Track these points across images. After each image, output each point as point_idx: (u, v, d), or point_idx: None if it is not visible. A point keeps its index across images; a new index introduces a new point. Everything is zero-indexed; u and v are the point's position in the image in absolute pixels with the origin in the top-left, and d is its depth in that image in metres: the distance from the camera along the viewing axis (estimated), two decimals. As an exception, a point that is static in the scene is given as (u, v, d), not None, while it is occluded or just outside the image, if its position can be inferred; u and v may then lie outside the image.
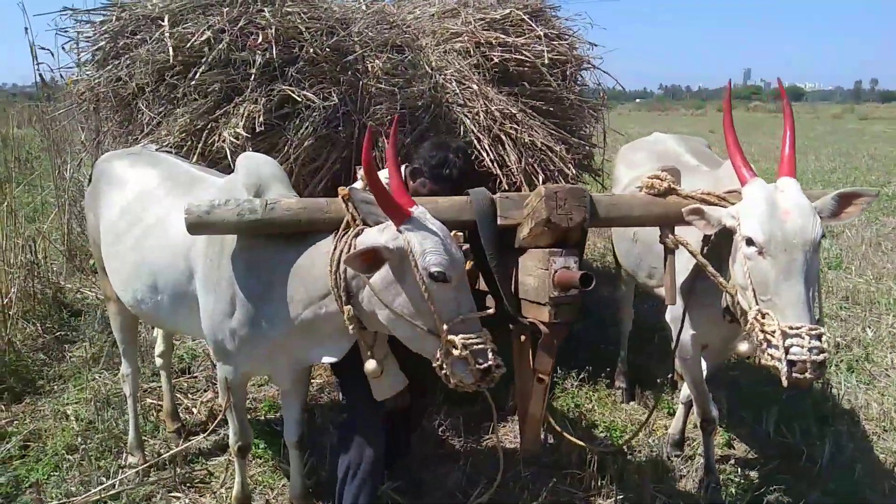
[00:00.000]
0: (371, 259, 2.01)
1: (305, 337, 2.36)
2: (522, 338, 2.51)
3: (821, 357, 2.04)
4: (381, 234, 2.08)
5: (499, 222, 2.42)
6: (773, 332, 2.09)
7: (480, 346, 1.99)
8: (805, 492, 3.16)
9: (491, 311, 2.10)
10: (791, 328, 2.07)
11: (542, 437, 2.97)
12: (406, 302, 2.05)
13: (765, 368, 2.49)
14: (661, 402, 4.02)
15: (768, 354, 2.10)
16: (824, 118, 37.99)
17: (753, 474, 3.34)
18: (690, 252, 2.45)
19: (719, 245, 2.50)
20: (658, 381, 4.14)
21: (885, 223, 8.91)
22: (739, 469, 3.37)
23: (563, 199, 2.26)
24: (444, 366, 2.00)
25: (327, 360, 2.41)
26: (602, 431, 3.70)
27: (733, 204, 2.37)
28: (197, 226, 2.24)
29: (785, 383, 2.07)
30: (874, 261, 7.17)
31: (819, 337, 2.07)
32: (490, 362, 1.99)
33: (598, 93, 4.71)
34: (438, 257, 2.00)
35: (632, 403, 4.10)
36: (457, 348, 1.97)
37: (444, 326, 1.99)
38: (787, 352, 2.05)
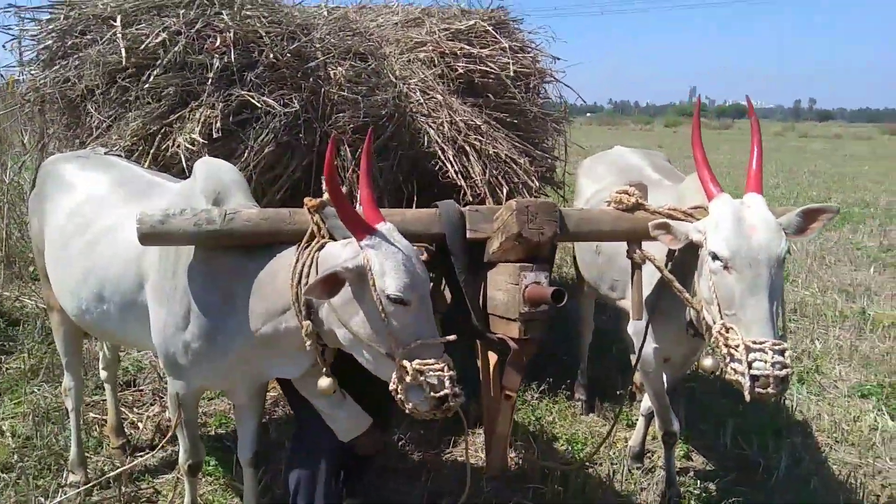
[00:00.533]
0: (332, 285, 1.92)
1: (264, 352, 2.27)
2: (490, 354, 2.47)
3: (783, 372, 2.06)
4: (342, 250, 2.01)
5: (468, 235, 2.38)
6: (737, 346, 2.10)
7: (437, 374, 1.90)
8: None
9: (452, 337, 2.00)
10: (755, 343, 2.08)
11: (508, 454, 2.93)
12: (363, 322, 1.97)
13: (721, 381, 2.51)
14: (620, 414, 4.03)
15: (731, 368, 2.11)
16: (766, 135, 38.92)
17: (712, 486, 3.37)
18: (657, 268, 2.46)
19: (684, 260, 2.51)
20: (618, 392, 4.18)
21: (829, 237, 9.24)
22: (699, 481, 3.40)
23: (535, 213, 2.23)
24: (399, 391, 1.93)
25: (287, 375, 2.33)
26: (563, 444, 3.68)
27: (699, 219, 2.39)
28: (150, 236, 2.13)
29: (748, 398, 2.08)
30: (820, 274, 7.43)
31: (782, 352, 2.08)
32: (446, 391, 1.89)
33: (558, 106, 4.74)
34: (398, 280, 1.91)
35: (591, 415, 4.10)
36: (410, 374, 1.89)
37: (400, 350, 1.91)
38: (749, 366, 2.06)
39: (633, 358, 4.04)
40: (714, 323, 2.21)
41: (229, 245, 2.20)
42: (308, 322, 2.05)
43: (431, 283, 2.66)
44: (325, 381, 2.14)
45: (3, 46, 3.75)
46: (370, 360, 2.01)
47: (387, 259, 1.93)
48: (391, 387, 1.95)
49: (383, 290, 1.90)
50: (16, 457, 3.29)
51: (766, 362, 2.05)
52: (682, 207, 2.46)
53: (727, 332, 2.15)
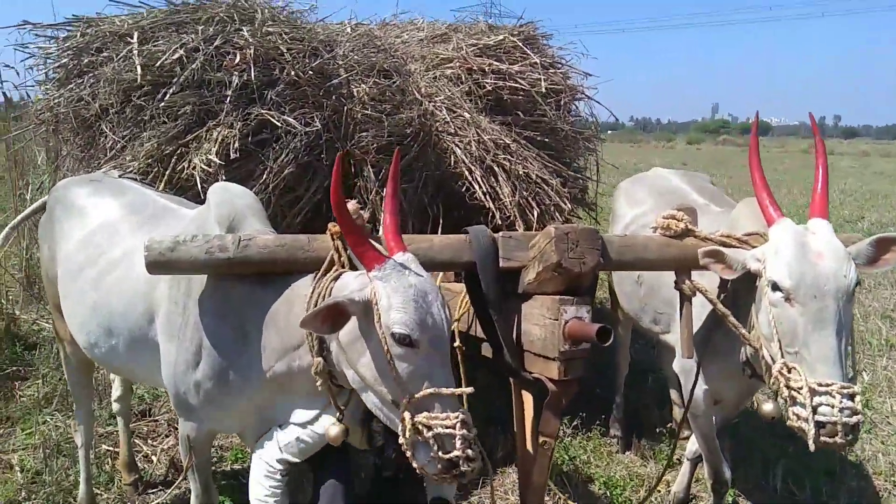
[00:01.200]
0: (333, 317, 1.72)
1: (278, 393, 2.09)
2: (525, 394, 2.25)
3: (853, 419, 1.85)
4: (354, 281, 1.82)
5: (501, 264, 2.18)
6: (800, 388, 1.90)
7: (447, 431, 1.65)
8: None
9: (469, 389, 1.75)
10: (820, 385, 1.87)
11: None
12: (370, 363, 1.76)
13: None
14: (661, 453, 3.78)
15: (794, 413, 1.92)
16: (793, 153, 38.74)
17: (763, 535, 3.10)
18: (709, 300, 2.24)
19: (739, 292, 2.29)
20: (657, 430, 3.92)
21: (867, 260, 8.86)
22: (748, 530, 3.13)
23: (575, 240, 2.03)
24: (406, 447, 1.69)
25: (303, 417, 2.12)
26: (600, 488, 3.43)
27: (755, 247, 2.18)
28: (158, 265, 1.98)
29: (812, 447, 1.87)
30: (860, 299, 7.09)
31: (852, 396, 1.87)
32: (457, 452, 1.64)
33: (588, 124, 4.55)
34: (404, 316, 1.69)
35: (629, 454, 3.85)
36: (413, 429, 1.66)
37: (405, 400, 1.68)
38: (814, 411, 1.86)
39: (674, 394, 3.84)
40: (774, 362, 2.00)
41: (244, 274, 2.04)
42: (319, 359, 1.87)
43: (454, 325, 2.45)
44: (335, 430, 1.92)
45: (25, 65, 3.64)
46: (377, 407, 1.80)
47: (395, 293, 1.72)
48: (400, 440, 1.72)
49: (388, 328, 1.70)
50: (24, 493, 3.14)
51: (833, 407, 1.85)
52: (735, 234, 2.24)
53: (789, 372, 1.95)
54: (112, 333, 2.37)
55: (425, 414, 1.67)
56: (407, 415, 1.66)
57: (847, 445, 1.90)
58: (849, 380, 1.92)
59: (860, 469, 3.70)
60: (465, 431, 1.67)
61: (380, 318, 1.71)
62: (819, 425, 1.85)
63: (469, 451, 1.66)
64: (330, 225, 1.98)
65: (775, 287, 2.00)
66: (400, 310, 1.70)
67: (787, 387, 1.94)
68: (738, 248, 2.20)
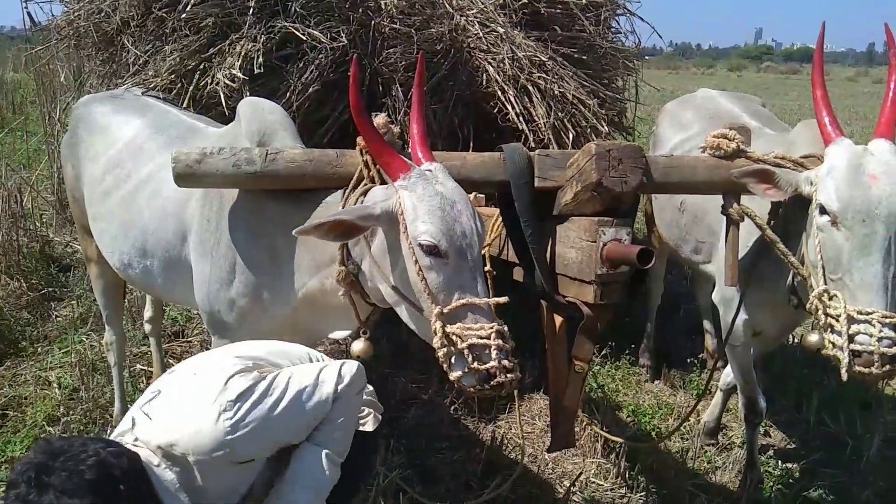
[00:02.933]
0: (334, 232, 1.67)
1: (312, 310, 2.08)
2: (557, 318, 2.19)
3: (894, 350, 1.75)
4: (381, 193, 1.76)
5: (536, 184, 2.07)
6: (838, 315, 1.81)
7: (481, 342, 1.60)
8: (852, 490, 2.89)
9: (503, 299, 1.69)
10: (860, 313, 1.78)
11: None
12: (401, 276, 1.71)
13: (802, 348, 2.15)
14: (691, 384, 3.73)
15: (829, 341, 1.84)
16: (838, 81, 36.95)
17: (795, 467, 3.06)
18: (759, 226, 2.12)
19: (789, 218, 2.17)
20: (687, 360, 3.87)
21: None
22: (779, 461, 3.09)
23: (618, 158, 1.90)
24: (442, 359, 1.64)
25: (338, 335, 2.11)
26: (628, 416, 3.41)
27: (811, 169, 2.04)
28: (186, 177, 1.94)
29: (844, 376, 1.80)
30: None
31: (895, 327, 1.76)
32: (492, 363, 1.59)
33: (627, 43, 4.30)
34: (430, 226, 1.63)
35: (658, 383, 3.81)
36: (446, 339, 1.60)
37: (435, 310, 1.62)
38: (850, 340, 1.78)
39: (707, 324, 3.75)
40: (816, 288, 1.90)
41: (273, 189, 1.99)
42: (342, 268, 1.83)
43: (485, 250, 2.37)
44: (359, 344, 1.90)
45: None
46: (412, 321, 1.76)
47: (421, 202, 1.65)
48: (436, 353, 1.66)
49: (415, 238, 1.64)
50: (62, 409, 3.21)
51: (871, 336, 1.76)
52: (791, 156, 2.09)
53: (830, 299, 1.85)
54: (145, 253, 2.36)
55: (459, 325, 1.62)
56: (439, 324, 1.61)
57: (886, 377, 1.82)
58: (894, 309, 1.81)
59: (896, 403, 3.62)
60: (500, 342, 1.61)
61: (405, 228, 1.65)
62: (854, 354, 1.78)
63: (505, 362, 1.61)
64: (359, 139, 1.89)
65: (823, 210, 1.90)
66: (426, 219, 1.64)
67: (826, 314, 1.86)
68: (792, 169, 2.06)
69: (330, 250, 1.89)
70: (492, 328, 1.62)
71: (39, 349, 3.85)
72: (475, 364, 1.60)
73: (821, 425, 3.37)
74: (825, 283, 1.90)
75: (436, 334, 1.61)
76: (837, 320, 1.82)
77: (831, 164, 1.93)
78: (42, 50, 3.96)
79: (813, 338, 2.06)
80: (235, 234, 2.07)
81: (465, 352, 1.60)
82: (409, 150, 1.87)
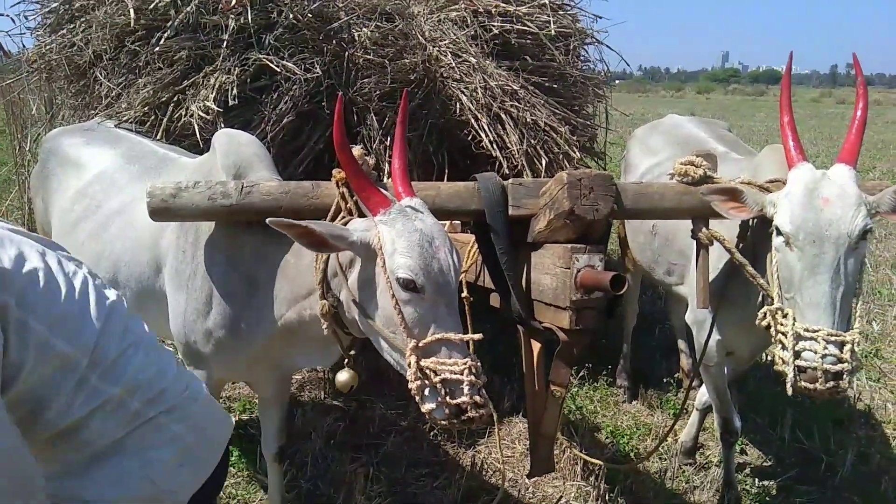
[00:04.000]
0: (306, 237, 1.67)
1: (289, 341, 2.08)
2: (534, 344, 2.21)
3: (837, 367, 1.83)
4: (361, 224, 1.78)
5: (510, 212, 2.11)
6: (786, 332, 1.90)
7: (454, 377, 1.61)
8: (829, 505, 2.93)
9: (479, 336, 1.73)
10: (807, 330, 1.87)
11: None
12: (378, 309, 1.73)
13: (773, 367, 2.20)
14: (668, 403, 3.77)
15: (779, 357, 1.93)
16: (803, 102, 38.01)
17: (771, 485, 3.10)
18: (727, 249, 2.18)
19: (756, 242, 2.23)
20: (664, 380, 3.91)
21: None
22: (756, 479, 3.12)
23: (589, 187, 1.95)
24: (415, 391, 1.65)
25: (312, 365, 2.12)
26: (607, 437, 3.43)
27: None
28: (161, 211, 1.95)
29: (789, 391, 1.89)
30: (870, 248, 7.00)
31: (840, 345, 1.84)
32: (464, 398, 1.60)
33: (597, 70, 4.39)
34: (408, 260, 1.65)
35: (635, 403, 3.84)
36: (420, 373, 1.62)
37: (410, 344, 1.64)
38: (797, 356, 1.86)
39: (682, 344, 3.81)
40: (771, 305, 2.00)
41: (250, 221, 2.00)
42: (324, 301, 1.83)
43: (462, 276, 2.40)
44: (343, 375, 1.91)
45: (10, 13, 3.51)
46: (388, 353, 1.76)
47: (400, 237, 1.67)
48: (409, 385, 1.68)
49: (393, 272, 1.66)
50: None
51: (815, 353, 1.84)
52: (757, 181, 2.16)
53: (783, 316, 1.94)
54: (117, 284, 2.34)
55: (433, 359, 1.63)
56: (413, 358, 1.62)
57: (830, 394, 1.88)
58: (842, 329, 1.89)
59: (868, 418, 3.68)
60: (472, 378, 1.63)
61: (384, 263, 1.67)
62: (799, 370, 1.85)
63: (477, 398, 1.62)
64: (334, 171, 1.92)
65: (779, 231, 1.98)
66: (404, 254, 1.65)
67: (777, 330, 1.95)
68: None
69: (308, 282, 1.90)
70: (465, 364, 1.64)
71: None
72: (447, 398, 1.61)
73: (795, 443, 3.41)
74: (780, 302, 1.99)
75: (410, 367, 1.63)
76: (786, 336, 1.91)
77: (789, 187, 2.00)
78: (13, 81, 3.93)
79: None
80: (212, 266, 2.06)
81: (439, 386, 1.62)
82: (388, 181, 1.90)
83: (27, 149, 5.75)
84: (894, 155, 15.05)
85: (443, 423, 1.64)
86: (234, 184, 1.96)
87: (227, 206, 1.94)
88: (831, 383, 1.84)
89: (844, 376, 1.85)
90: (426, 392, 1.63)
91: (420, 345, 1.64)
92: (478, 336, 1.72)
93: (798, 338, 1.87)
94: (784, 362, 1.90)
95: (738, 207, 2.07)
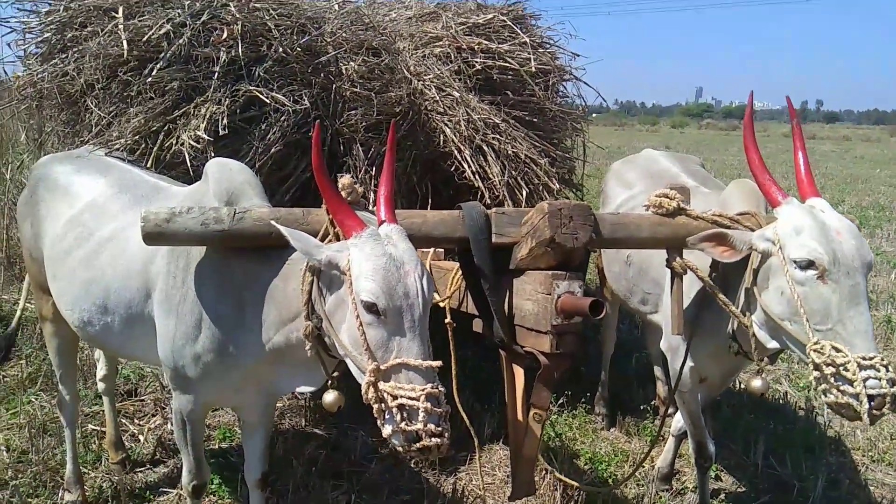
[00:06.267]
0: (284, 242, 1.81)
1: (277, 364, 2.12)
2: (517, 369, 2.28)
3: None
4: (338, 245, 1.84)
5: (493, 240, 2.19)
6: (846, 363, 1.87)
7: (410, 403, 1.62)
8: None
9: (438, 363, 1.70)
10: (864, 359, 1.88)
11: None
12: (348, 331, 1.78)
13: (748, 395, 2.19)
14: (645, 430, 3.84)
15: (839, 391, 1.88)
16: (774, 136, 38.94)
17: (745, 509, 3.17)
18: (700, 278, 2.27)
19: (727, 272, 2.33)
20: (641, 407, 3.98)
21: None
22: (731, 504, 3.20)
23: (569, 216, 2.04)
24: (376, 414, 1.68)
25: (303, 390, 2.15)
26: (585, 463, 3.49)
27: (747, 227, 2.21)
28: (155, 236, 1.99)
29: (867, 421, 1.86)
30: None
31: (887, 367, 1.88)
32: (418, 426, 1.61)
33: (575, 105, 4.55)
34: (371, 284, 1.68)
35: (613, 430, 3.90)
36: (377, 397, 1.65)
37: (370, 366, 1.67)
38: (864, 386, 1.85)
39: (658, 371, 3.89)
40: (807, 340, 1.97)
41: (240, 247, 2.06)
42: (308, 323, 1.88)
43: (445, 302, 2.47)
44: (329, 396, 1.94)
45: (4, 40, 3.57)
46: (356, 375, 1.79)
47: (367, 261, 1.72)
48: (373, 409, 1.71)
49: (357, 294, 1.71)
50: (10, 473, 3.11)
51: (880, 380, 1.85)
52: (727, 213, 2.27)
53: (835, 350, 1.91)
54: (106, 310, 2.37)
55: (392, 383, 1.66)
56: (371, 380, 1.66)
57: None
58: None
59: (839, 445, 3.78)
60: (428, 405, 1.64)
61: (350, 285, 1.72)
62: (871, 399, 1.84)
63: (431, 426, 1.62)
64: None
65: (808, 265, 1.98)
66: (369, 278, 1.70)
67: (831, 364, 1.90)
68: (731, 227, 2.21)
69: (295, 306, 1.94)
70: (423, 390, 1.64)
71: (-14, 411, 3.73)
72: (403, 424, 1.63)
73: (768, 469, 3.49)
74: (812, 335, 1.96)
75: (368, 390, 1.66)
76: (847, 369, 1.87)
77: (795, 223, 2.05)
78: (1, 109, 3.96)
79: (756, 383, 2.19)
80: (202, 290, 2.10)
81: (395, 410, 1.64)
82: (375, 209, 1.97)
83: (7, 176, 5.77)
84: (862, 189, 15.48)
85: (399, 449, 1.66)
86: (226, 210, 2.02)
87: (220, 232, 1.98)
88: (891, 405, 1.85)
89: None
90: (385, 416, 1.66)
91: (381, 368, 1.68)
92: (437, 363, 1.71)
93: (861, 368, 1.86)
94: (846, 394, 1.86)
95: (727, 251, 2.15)
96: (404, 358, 1.68)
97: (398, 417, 1.63)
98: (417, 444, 1.62)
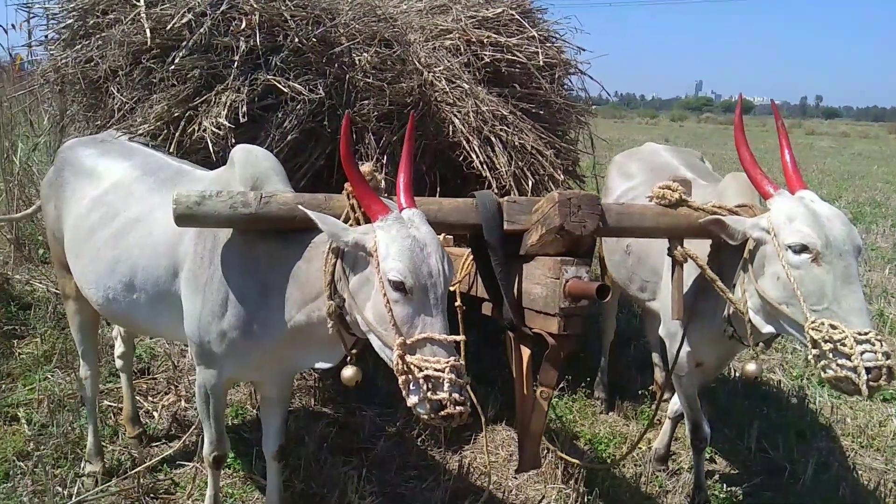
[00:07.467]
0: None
1: (298, 341, 2.23)
2: (523, 349, 2.40)
3: (892, 362, 1.97)
4: (364, 228, 1.96)
5: (505, 227, 2.31)
6: (843, 339, 1.97)
7: (436, 373, 1.74)
8: (791, 510, 3.15)
9: (462, 337, 1.86)
10: (860, 334, 1.98)
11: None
12: (372, 308, 1.90)
13: (742, 381, 2.28)
14: (642, 414, 3.98)
15: (837, 365, 1.98)
16: (773, 131, 38.95)
17: (738, 490, 3.30)
18: (699, 266, 2.39)
19: (723, 260, 2.45)
20: (639, 392, 4.12)
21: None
22: (724, 485, 3.33)
23: (577, 205, 2.16)
24: (402, 385, 1.80)
25: (322, 365, 2.27)
26: (585, 444, 3.62)
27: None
28: (186, 217, 2.10)
29: (866, 393, 1.96)
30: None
31: (883, 342, 1.99)
32: (443, 395, 1.73)
33: (580, 98, 4.66)
34: (399, 263, 1.80)
35: (612, 414, 4.04)
36: (406, 369, 1.77)
37: (398, 340, 1.80)
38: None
39: (656, 357, 4.02)
40: (806, 321, 2.07)
41: (265, 230, 2.16)
42: (331, 302, 2.00)
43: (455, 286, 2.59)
44: (348, 371, 2.05)
45: (25, 26, 3.66)
46: (380, 349, 1.92)
47: (394, 242, 1.85)
48: (399, 380, 1.83)
49: (385, 273, 1.83)
50: (32, 445, 3.23)
51: (876, 353, 1.96)
52: (725, 205, 2.39)
53: (832, 328, 2.01)
54: (133, 288, 2.46)
55: (418, 356, 1.78)
56: (399, 353, 1.78)
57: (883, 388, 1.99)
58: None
59: (830, 430, 3.93)
60: (453, 376, 1.75)
61: (378, 265, 1.84)
62: (868, 371, 1.94)
63: (456, 395, 1.73)
64: (346, 184, 2.10)
65: (802, 249, 2.09)
66: (396, 258, 1.82)
67: (829, 340, 1.98)
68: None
69: (317, 286, 2.06)
70: (447, 362, 1.76)
71: (3, 386, 3.84)
72: (429, 394, 1.75)
73: (761, 452, 3.63)
74: (808, 315, 2.06)
75: (396, 362, 1.79)
76: (844, 343, 1.96)
77: (788, 211, 2.17)
78: (23, 92, 4.06)
79: (751, 367, 2.32)
80: (228, 271, 2.21)
81: (422, 381, 1.75)
82: (394, 195, 2.08)
83: (16, 160, 5.84)
84: (859, 185, 15.59)
85: (424, 417, 1.78)
86: (253, 194, 2.12)
87: (247, 215, 2.09)
88: (889, 377, 1.96)
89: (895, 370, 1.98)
90: (411, 386, 1.78)
91: (408, 342, 1.80)
92: (461, 337, 1.86)
93: (857, 342, 1.95)
94: (845, 368, 1.95)
95: (725, 236, 2.27)
96: (429, 332, 1.80)
97: (425, 387, 1.75)
98: (442, 412, 1.74)
